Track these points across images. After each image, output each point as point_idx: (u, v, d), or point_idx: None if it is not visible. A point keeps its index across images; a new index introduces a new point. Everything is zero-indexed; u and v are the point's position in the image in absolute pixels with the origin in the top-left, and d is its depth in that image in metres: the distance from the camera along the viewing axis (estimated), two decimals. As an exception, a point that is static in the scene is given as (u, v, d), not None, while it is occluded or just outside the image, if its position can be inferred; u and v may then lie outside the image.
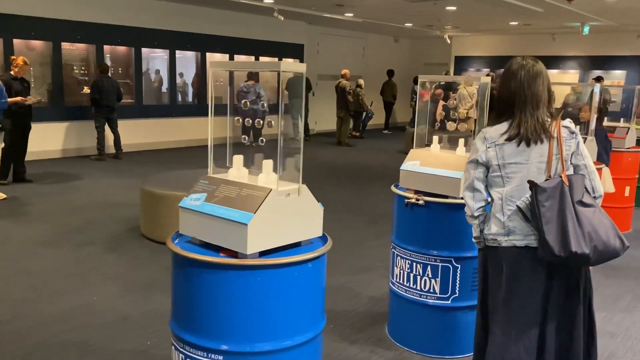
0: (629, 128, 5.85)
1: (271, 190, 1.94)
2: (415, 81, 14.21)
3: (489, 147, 2.26)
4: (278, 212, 1.96)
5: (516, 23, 13.27)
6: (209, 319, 1.91)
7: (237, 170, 2.22)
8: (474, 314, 3.16)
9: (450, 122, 3.26)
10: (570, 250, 2.06)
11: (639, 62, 14.13)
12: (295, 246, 2.08)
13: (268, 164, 2.13)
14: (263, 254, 1.94)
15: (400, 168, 3.24)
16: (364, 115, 14.66)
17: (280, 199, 1.96)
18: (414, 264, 3.13)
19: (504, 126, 2.26)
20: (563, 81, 15.46)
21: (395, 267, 3.27)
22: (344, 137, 12.85)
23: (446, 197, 3.03)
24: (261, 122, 2.18)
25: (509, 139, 2.22)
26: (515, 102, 2.24)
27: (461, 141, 3.20)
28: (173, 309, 2.06)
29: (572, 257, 2.08)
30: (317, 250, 2.02)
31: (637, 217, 6.51)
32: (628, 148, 5.88)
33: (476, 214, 2.33)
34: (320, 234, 2.18)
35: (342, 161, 10.49)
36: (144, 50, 10.79)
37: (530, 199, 2.17)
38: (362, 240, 5.42)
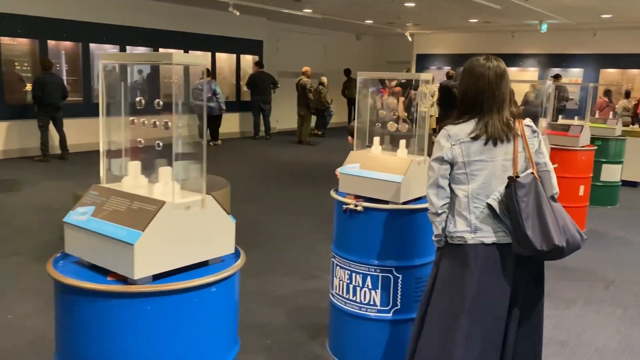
0: (582, 126, 5.77)
1: (165, 203, 1.66)
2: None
3: (454, 145, 2.25)
4: (175, 229, 1.69)
5: (476, 20, 13.27)
6: (95, 356, 1.63)
7: (134, 179, 1.91)
8: (417, 327, 2.98)
9: (391, 122, 3.05)
10: (553, 244, 2.14)
11: (596, 60, 14.32)
12: (203, 265, 1.82)
13: (166, 171, 1.82)
14: (158, 277, 1.67)
15: (339, 171, 3.02)
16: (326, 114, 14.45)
17: (178, 213, 1.69)
18: (354, 274, 2.91)
19: (469, 125, 2.26)
20: (523, 79, 15.57)
21: (335, 278, 3.04)
22: (305, 136, 12.60)
23: (387, 202, 2.82)
24: (156, 122, 1.87)
25: (475, 138, 2.23)
26: (481, 101, 2.24)
27: (402, 142, 2.99)
28: (56, 343, 1.77)
29: (553, 250, 2.16)
30: (223, 271, 1.75)
31: (592, 216, 6.47)
32: (582, 146, 5.81)
33: (440, 211, 2.31)
34: (232, 251, 1.91)
35: (302, 161, 10.24)
36: (92, 45, 10.31)
37: (506, 195, 2.17)
38: (314, 244, 5.19)
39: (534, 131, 2.33)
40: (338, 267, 3.00)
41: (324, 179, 8.44)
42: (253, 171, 8.95)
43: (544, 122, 6.16)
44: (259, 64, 13.00)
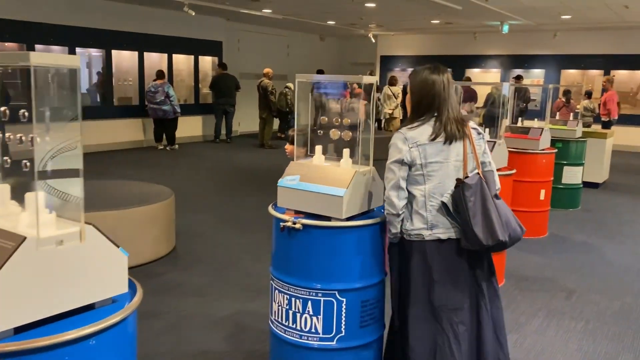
0: (542, 129, 5.63)
1: (25, 238, 1.34)
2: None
3: (411, 147, 2.38)
4: (42, 270, 1.37)
5: (438, 21, 13.17)
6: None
7: (1, 206, 1.55)
8: (364, 355, 2.71)
9: (333, 130, 2.78)
10: (497, 239, 2.35)
11: (557, 61, 14.41)
12: (89, 309, 1.51)
13: (32, 197, 1.44)
14: (20, 330, 1.36)
15: (277, 184, 2.73)
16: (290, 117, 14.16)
17: (47, 250, 1.38)
18: (293, 299, 2.62)
19: (426, 128, 2.40)
20: (485, 80, 15.59)
21: (274, 303, 2.75)
22: (267, 139, 12.28)
23: (329, 218, 2.55)
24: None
25: (434, 138, 2.38)
26: (438, 104, 2.42)
27: (346, 152, 2.72)
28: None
29: (497, 245, 2.38)
30: (108, 317, 1.43)
31: (553, 220, 6.34)
32: (542, 150, 5.67)
33: (400, 212, 2.44)
34: (125, 290, 1.59)
35: (261, 165, 9.92)
36: (38, 47, 9.76)
37: (455, 195, 2.37)
38: (263, 259, 4.88)
39: (479, 133, 2.54)
40: (277, 291, 2.71)
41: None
42: (208, 177, 8.59)
43: (504, 125, 6.01)
44: (222, 66, 12.63)
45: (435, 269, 2.41)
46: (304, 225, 2.54)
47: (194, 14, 10.41)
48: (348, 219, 2.56)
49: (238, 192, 7.61)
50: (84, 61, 11.01)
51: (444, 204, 2.39)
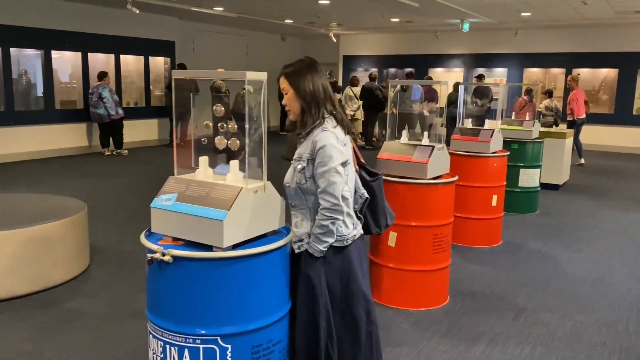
0: (493, 130, 5.26)
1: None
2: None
3: (344, 146, 2.33)
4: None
5: (398, 20, 12.83)
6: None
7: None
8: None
9: (219, 138, 2.31)
10: (386, 225, 2.73)
11: (519, 60, 14.21)
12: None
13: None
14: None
15: (151, 205, 2.25)
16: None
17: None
18: (168, 346, 2.14)
19: (337, 127, 2.34)
20: (448, 79, 15.31)
21: (149, 350, 2.27)
22: (221, 143, 11.74)
23: (211, 247, 2.08)
24: None
25: (345, 134, 2.38)
26: (330, 99, 2.36)
27: (233, 164, 2.25)
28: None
29: (381, 231, 2.74)
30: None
31: (509, 226, 5.99)
32: (494, 152, 5.29)
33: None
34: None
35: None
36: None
37: (375, 186, 2.60)
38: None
39: None
40: (151, 336, 2.23)
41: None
42: (148, 186, 8.02)
43: (440, 128, 5.65)
44: (180, 67, 12.06)
45: (358, 269, 2.40)
46: (176, 257, 2.06)
47: (137, 11, 9.82)
48: (234, 246, 2.09)
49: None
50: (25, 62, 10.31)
51: (366, 198, 2.54)
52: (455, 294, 4.11)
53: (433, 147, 3.74)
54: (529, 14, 11.12)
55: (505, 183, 5.41)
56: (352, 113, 13.31)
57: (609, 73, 13.31)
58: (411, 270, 3.77)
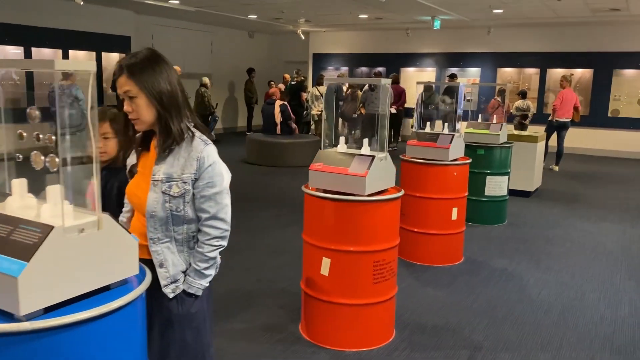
0: (453, 135, 4.69)
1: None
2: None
3: None
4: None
5: (366, 16, 12.26)
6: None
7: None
8: None
9: (35, 154, 1.67)
10: None
11: (492, 59, 13.76)
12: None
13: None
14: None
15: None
16: (210, 119, 12.97)
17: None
18: None
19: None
20: (421, 79, 14.81)
21: None
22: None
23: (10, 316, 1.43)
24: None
25: None
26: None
27: (50, 190, 1.60)
28: None
29: None
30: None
31: (473, 240, 5.45)
32: (454, 160, 4.73)
33: None
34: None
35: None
36: None
37: None
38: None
39: None
40: None
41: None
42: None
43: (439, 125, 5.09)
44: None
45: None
46: (-44, 328, 1.41)
47: (82, 2, 9.09)
48: (47, 310, 1.45)
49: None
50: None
51: None
52: (403, 327, 3.53)
53: (373, 157, 3.15)
54: (502, 10, 10.64)
55: (466, 194, 4.85)
56: (318, 113, 12.73)
57: (584, 73, 12.92)
58: (347, 304, 3.17)
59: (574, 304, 4.02)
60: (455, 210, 4.72)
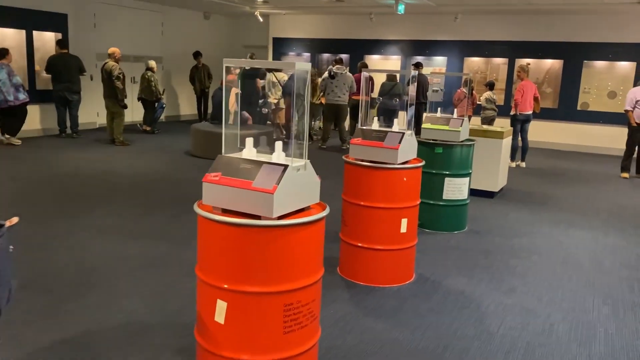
0: (403, 133, 3.94)
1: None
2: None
3: None
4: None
5: (327, -1, 11.44)
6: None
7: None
8: None
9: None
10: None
11: (460, 48, 13.11)
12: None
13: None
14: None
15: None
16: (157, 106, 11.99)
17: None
18: None
19: None
20: (386, 68, 14.10)
21: None
22: (117, 134, 10.07)
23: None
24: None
25: None
26: None
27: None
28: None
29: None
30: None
31: (428, 252, 4.75)
32: (404, 162, 3.99)
33: None
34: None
35: (94, 169, 7.76)
36: None
37: None
38: (22, 338, 2.88)
39: None
40: None
41: (103, 201, 5.99)
42: (6, 190, 6.38)
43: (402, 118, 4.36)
44: (60, 44, 10.29)
45: None
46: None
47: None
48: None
49: (38, 215, 5.48)
50: None
51: None
52: (328, 379, 2.79)
53: (286, 166, 2.36)
54: (469, -5, 9.96)
55: (419, 202, 4.12)
56: (275, 101, 11.89)
57: (553, 64, 12.39)
58: (249, 361, 2.40)
59: (541, 340, 3.35)
60: (404, 222, 3.99)
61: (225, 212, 2.39)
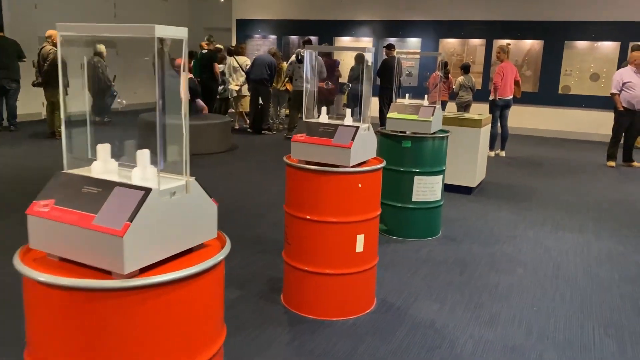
0: (357, 128, 3.12)
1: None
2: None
3: None
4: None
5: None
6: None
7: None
8: None
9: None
10: None
11: (435, 29, 12.32)
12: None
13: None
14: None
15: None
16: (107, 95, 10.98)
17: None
18: None
19: None
20: (358, 51, 13.24)
21: None
22: (59, 126, 9.09)
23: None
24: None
25: None
26: None
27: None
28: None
29: None
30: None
31: (392, 270, 3.97)
32: (359, 164, 3.17)
33: None
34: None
35: (29, 166, 6.81)
36: None
37: None
38: None
39: None
40: None
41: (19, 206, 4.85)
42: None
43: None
44: (-5, 27, 9.27)
45: None
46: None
47: None
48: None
49: None
50: None
51: None
52: None
53: (147, 190, 1.51)
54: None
55: (379, 213, 3.32)
56: (237, 88, 10.99)
57: (533, 45, 11.67)
58: None
59: (532, 396, 2.59)
60: (360, 239, 3.18)
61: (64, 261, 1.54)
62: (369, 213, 3.22)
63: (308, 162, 3.16)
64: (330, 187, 3.09)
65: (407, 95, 4.97)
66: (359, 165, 3.18)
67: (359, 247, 3.19)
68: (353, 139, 3.08)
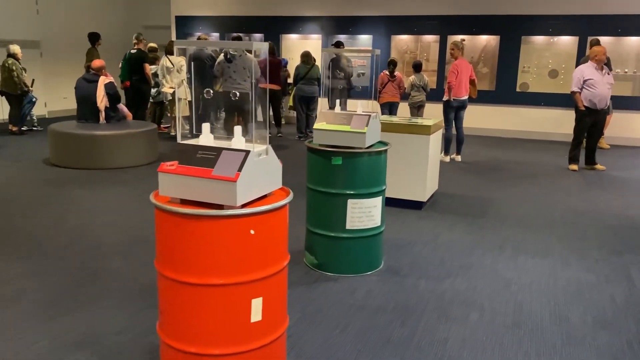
0: (247, 152, 2.28)
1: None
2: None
3: None
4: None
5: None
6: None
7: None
8: None
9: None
10: None
11: (386, 25, 11.60)
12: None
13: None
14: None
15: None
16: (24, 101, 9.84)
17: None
18: None
19: None
20: (306, 48, 12.42)
21: None
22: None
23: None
24: None
25: None
26: None
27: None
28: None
29: None
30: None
31: (319, 323, 3.14)
32: (251, 202, 2.31)
33: None
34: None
35: None
36: None
37: None
38: None
39: None
40: None
41: None
42: None
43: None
44: None
45: None
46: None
47: None
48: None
49: None
50: None
51: None
52: None
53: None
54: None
55: (286, 263, 2.47)
56: (171, 91, 9.99)
57: (489, 41, 11.08)
58: None
59: None
60: (257, 304, 2.33)
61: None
62: (270, 267, 2.36)
63: (183, 201, 2.29)
64: (212, 236, 2.22)
65: (337, 101, 4.14)
66: (254, 202, 2.32)
67: (256, 316, 2.34)
68: (240, 168, 2.22)
